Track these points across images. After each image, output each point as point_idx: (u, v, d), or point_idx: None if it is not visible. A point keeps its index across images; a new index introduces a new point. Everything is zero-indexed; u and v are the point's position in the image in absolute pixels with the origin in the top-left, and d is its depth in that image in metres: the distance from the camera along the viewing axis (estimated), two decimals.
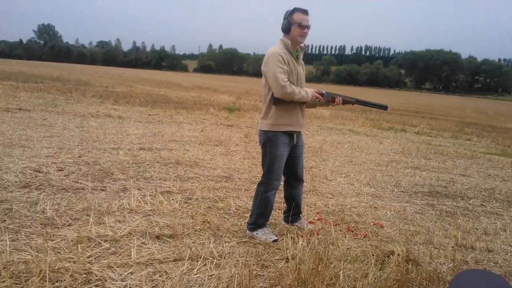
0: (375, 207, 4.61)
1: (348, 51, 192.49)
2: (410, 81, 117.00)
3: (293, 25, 3.26)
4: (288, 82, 3.20)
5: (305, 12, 3.29)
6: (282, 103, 3.28)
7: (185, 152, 6.37)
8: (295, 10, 3.28)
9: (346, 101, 3.55)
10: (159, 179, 4.85)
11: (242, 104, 16.02)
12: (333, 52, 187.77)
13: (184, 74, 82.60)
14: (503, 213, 4.92)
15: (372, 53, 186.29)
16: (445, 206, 4.93)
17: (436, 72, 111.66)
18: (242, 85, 41.74)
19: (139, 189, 4.35)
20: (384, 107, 3.78)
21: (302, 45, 3.46)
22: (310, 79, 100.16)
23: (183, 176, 5.09)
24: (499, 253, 3.65)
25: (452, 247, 3.63)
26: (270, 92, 3.30)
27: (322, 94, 3.42)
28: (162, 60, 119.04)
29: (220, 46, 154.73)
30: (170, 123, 9.40)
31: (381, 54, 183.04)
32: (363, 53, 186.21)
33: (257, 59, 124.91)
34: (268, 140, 3.37)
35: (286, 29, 3.31)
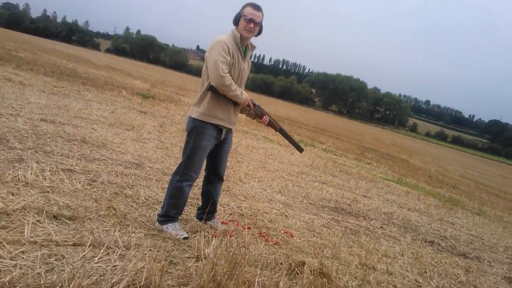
0: (286, 216, 4.59)
1: (266, 62, 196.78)
2: (319, 101, 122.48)
3: (241, 17, 3.21)
4: (228, 74, 3.06)
5: (256, 7, 3.25)
6: (216, 93, 3.12)
7: (92, 131, 5.87)
8: (247, 4, 3.25)
9: (271, 124, 3.61)
10: (61, 155, 4.37)
11: (157, 93, 15.39)
12: (253, 59, 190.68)
13: (95, 52, 77.85)
14: (400, 238, 5.18)
15: (289, 67, 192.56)
16: (349, 224, 5.08)
17: (343, 96, 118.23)
18: (158, 74, 40.53)
19: (37, 162, 3.86)
20: (300, 150, 3.94)
21: (253, 43, 3.42)
22: None
23: (88, 156, 4.65)
24: (397, 277, 3.78)
25: (356, 265, 3.70)
26: (208, 80, 3.12)
27: (254, 105, 3.35)
28: (73, 34, 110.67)
29: (138, 31, 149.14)
30: (77, 98, 8.67)
31: (296, 70, 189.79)
32: (280, 66, 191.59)
33: (176, 51, 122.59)
34: (195, 129, 3.19)
35: (235, 21, 3.26)
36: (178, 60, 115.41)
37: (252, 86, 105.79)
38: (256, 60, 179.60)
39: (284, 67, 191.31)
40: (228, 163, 6.31)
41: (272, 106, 44.29)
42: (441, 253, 5.10)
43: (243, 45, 3.28)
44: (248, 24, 3.19)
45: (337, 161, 10.98)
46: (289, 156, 9.06)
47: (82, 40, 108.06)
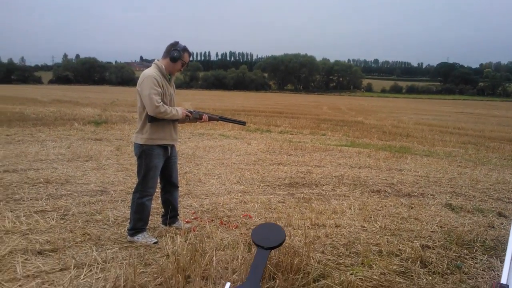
0: (244, 202, 5.16)
1: (213, 57, 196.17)
2: (274, 84, 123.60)
3: (180, 61, 3.74)
4: (162, 103, 3.57)
5: (191, 55, 3.85)
6: (156, 120, 3.64)
7: (54, 170, 6.26)
8: (186, 50, 3.80)
9: (211, 118, 4.11)
10: (31, 199, 4.78)
11: (109, 116, 15.66)
12: (199, 58, 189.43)
13: (39, 86, 75.74)
14: (349, 194, 5.84)
15: (237, 58, 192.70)
16: (302, 194, 5.70)
17: (295, 74, 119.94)
18: (106, 95, 40.22)
19: (11, 211, 4.28)
20: (243, 123, 4.47)
21: None
22: (179, 85, 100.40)
23: (55, 194, 5.07)
24: (344, 227, 4.41)
25: (308, 226, 4.31)
26: (145, 111, 3.62)
27: (190, 112, 3.89)
28: (11, 73, 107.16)
29: (77, 56, 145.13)
30: (31, 142, 8.95)
31: (245, 59, 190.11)
32: (228, 58, 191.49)
33: (119, 67, 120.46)
34: (144, 153, 3.69)
35: (174, 59, 3.71)
36: (124, 75, 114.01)
37: (205, 85, 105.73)
38: (202, 58, 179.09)
39: (232, 59, 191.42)
40: (187, 168, 6.90)
41: (229, 99, 44.73)
42: (386, 198, 5.77)
43: (167, 74, 3.80)
44: (182, 67, 3.79)
45: (293, 140, 11.63)
46: (246, 147, 9.63)
47: (22, 77, 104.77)
